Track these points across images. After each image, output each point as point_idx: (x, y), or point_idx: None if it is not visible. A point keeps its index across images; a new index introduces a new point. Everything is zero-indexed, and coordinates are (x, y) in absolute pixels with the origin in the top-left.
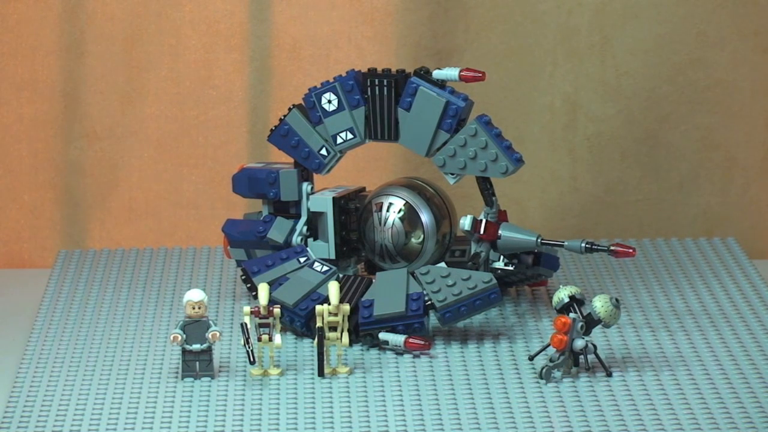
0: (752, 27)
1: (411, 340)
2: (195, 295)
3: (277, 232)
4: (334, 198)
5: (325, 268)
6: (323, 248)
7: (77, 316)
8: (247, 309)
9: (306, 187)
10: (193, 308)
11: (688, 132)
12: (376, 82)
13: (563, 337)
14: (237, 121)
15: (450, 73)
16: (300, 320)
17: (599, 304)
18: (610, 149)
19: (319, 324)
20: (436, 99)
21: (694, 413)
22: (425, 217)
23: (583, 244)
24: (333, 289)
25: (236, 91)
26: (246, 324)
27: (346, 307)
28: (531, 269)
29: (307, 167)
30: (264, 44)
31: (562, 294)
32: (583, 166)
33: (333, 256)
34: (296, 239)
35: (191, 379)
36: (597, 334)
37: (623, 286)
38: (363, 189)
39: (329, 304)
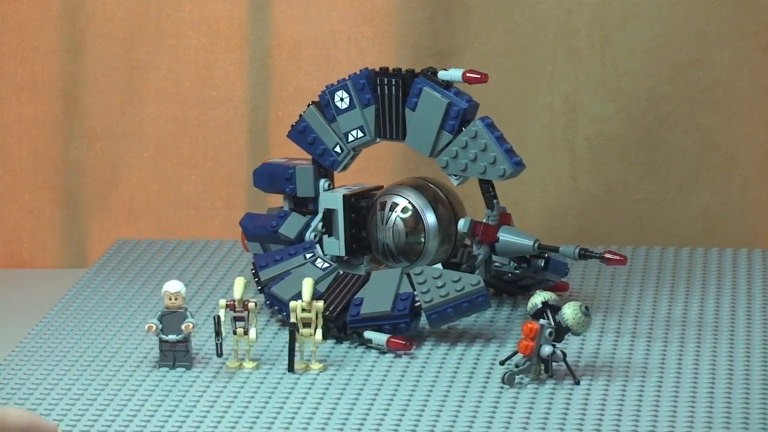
0: (752, 27)
1: (393, 339)
2: (172, 286)
3: (289, 227)
4: (344, 195)
5: (326, 265)
6: (335, 245)
7: (98, 308)
8: (222, 302)
9: (323, 183)
10: (170, 299)
11: (688, 132)
12: (385, 81)
13: (529, 342)
14: (237, 121)
15: (454, 74)
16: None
17: (569, 312)
18: (610, 149)
19: (292, 320)
20: (438, 100)
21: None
22: (427, 217)
23: (576, 250)
24: (307, 285)
25: (236, 91)
26: (219, 317)
27: (320, 304)
28: (539, 274)
29: (323, 164)
30: (264, 44)
31: (537, 299)
32: (583, 166)
33: (343, 253)
34: (309, 235)
35: (167, 369)
36: (594, 341)
37: (632, 294)
38: (380, 187)
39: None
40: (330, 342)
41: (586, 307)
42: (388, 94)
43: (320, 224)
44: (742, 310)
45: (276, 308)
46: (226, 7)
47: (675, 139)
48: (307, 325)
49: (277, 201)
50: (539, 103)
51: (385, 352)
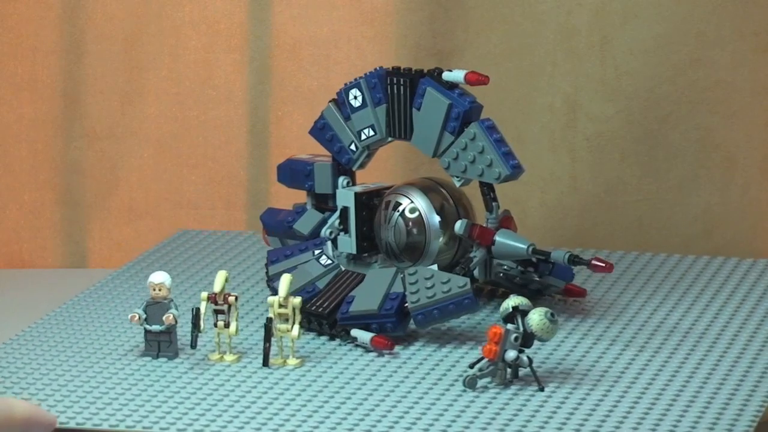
0: (752, 27)
1: (376, 338)
2: (156, 277)
3: (304, 223)
4: (356, 193)
5: (329, 262)
6: (348, 243)
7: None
8: (204, 294)
9: (342, 181)
10: (154, 290)
11: (688, 132)
12: (395, 81)
13: (493, 347)
14: (237, 121)
15: (457, 75)
16: None
17: (534, 318)
18: (610, 149)
19: (269, 315)
20: (440, 100)
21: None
22: (430, 218)
23: (566, 256)
24: (284, 281)
25: (236, 91)
26: (198, 309)
27: (296, 300)
28: (544, 279)
29: (339, 161)
30: (264, 44)
31: (508, 304)
32: (583, 166)
33: (354, 251)
34: (325, 232)
35: (150, 358)
36: (585, 348)
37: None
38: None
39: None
40: (323, 339)
41: (552, 314)
42: (397, 94)
43: (337, 221)
44: (721, 318)
45: None
46: (226, 7)
47: (675, 139)
48: (284, 320)
49: (277, 201)
50: (539, 103)
51: (369, 351)
